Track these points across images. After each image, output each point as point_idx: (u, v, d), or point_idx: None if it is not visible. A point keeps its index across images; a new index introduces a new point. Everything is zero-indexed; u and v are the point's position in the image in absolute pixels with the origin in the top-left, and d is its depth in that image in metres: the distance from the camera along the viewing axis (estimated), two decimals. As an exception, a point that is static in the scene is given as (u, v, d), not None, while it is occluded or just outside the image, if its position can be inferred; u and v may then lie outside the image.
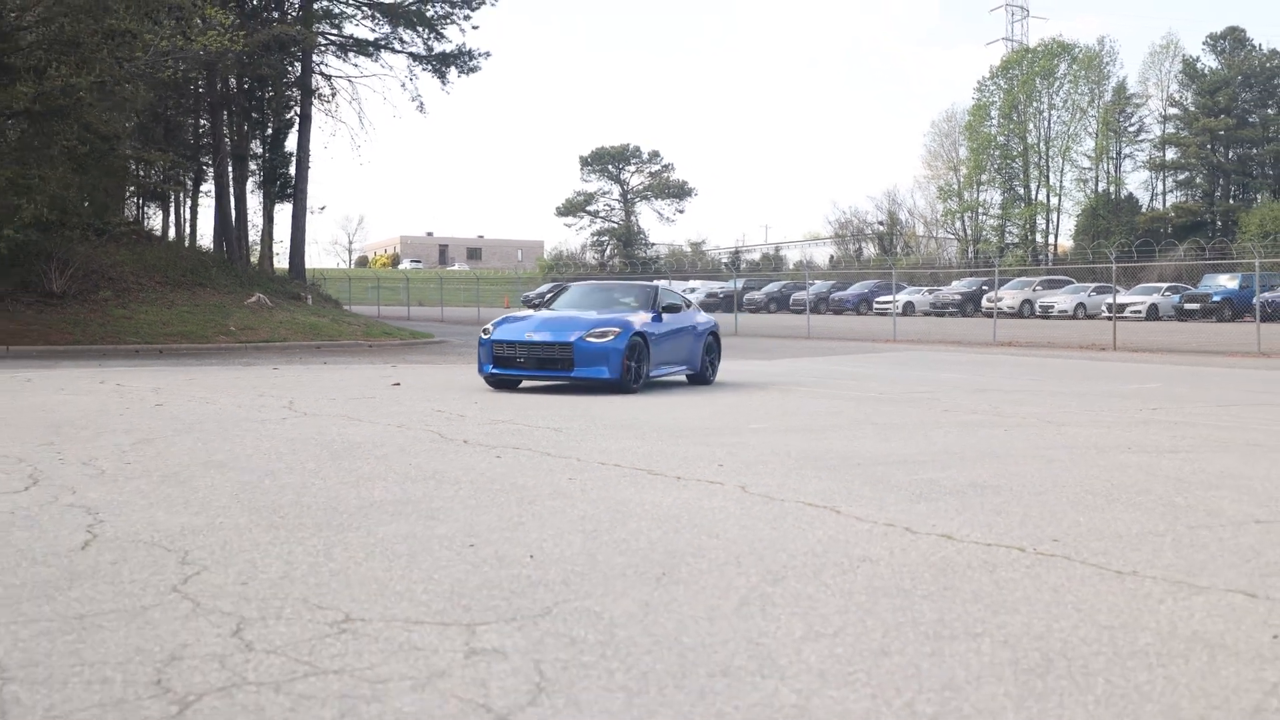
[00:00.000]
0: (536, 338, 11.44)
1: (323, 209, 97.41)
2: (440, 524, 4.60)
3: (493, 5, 31.32)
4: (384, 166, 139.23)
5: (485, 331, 11.96)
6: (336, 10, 30.37)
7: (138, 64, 18.53)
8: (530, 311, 13.36)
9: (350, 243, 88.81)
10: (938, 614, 3.35)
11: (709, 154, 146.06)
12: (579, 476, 5.87)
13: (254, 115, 31.34)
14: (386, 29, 30.36)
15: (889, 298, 42.40)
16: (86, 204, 22.40)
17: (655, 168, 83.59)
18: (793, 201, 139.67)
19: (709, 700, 2.62)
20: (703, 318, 13.68)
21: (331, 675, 2.76)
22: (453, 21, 29.97)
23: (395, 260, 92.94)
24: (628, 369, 11.28)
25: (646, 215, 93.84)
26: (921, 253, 71.94)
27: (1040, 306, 41.38)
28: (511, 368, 11.54)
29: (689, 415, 9.28)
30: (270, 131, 32.06)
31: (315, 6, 29.86)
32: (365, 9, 30.16)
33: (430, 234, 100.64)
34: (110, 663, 2.83)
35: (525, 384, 12.07)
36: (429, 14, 29.71)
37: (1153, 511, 5.02)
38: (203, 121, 31.14)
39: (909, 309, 44.56)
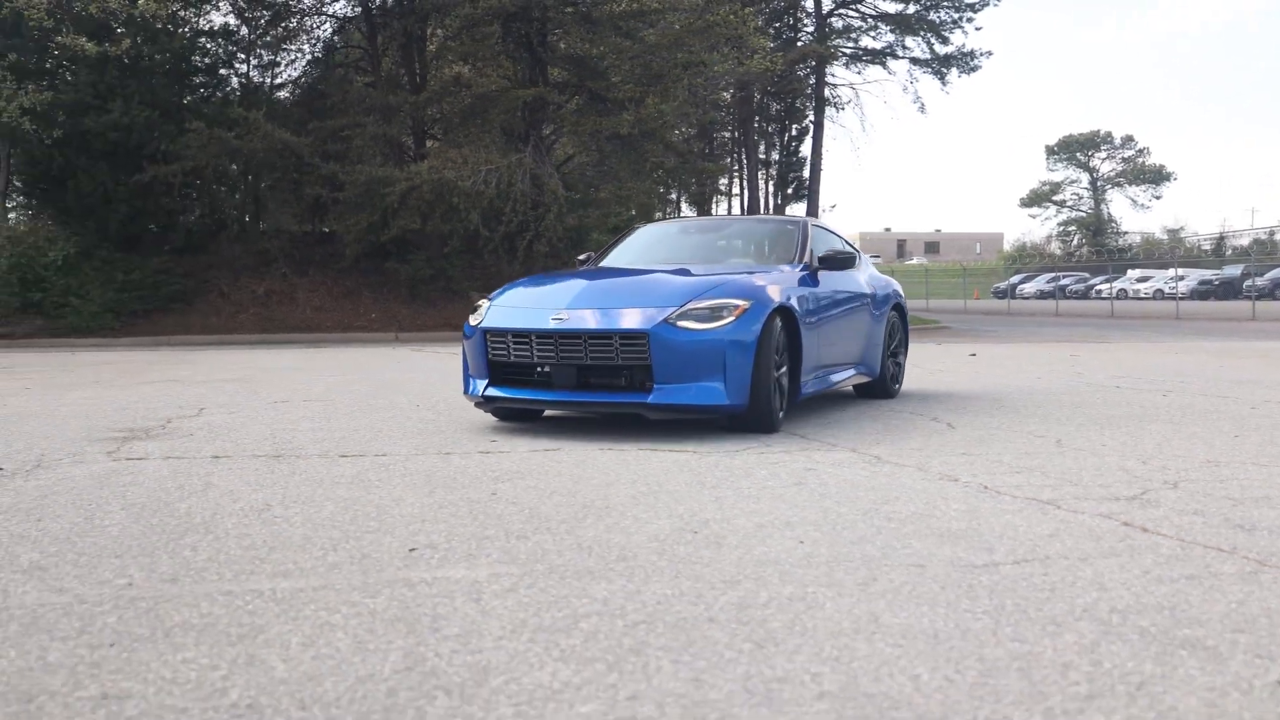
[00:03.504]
0: (572, 324, 5.73)
1: (833, 207, 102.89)
2: (1151, 427, 6.14)
3: (995, 5, 32.53)
4: (852, 165, 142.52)
5: (475, 313, 6.33)
6: (854, 26, 33.19)
7: (699, 88, 21.93)
8: (563, 274, 6.91)
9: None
10: None
11: (1189, 136, 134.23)
12: (1254, 412, 7.13)
13: (771, 125, 35.15)
14: (891, 38, 32.68)
15: None
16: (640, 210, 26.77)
17: (1128, 153, 79.02)
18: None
19: None
20: (873, 279, 8.04)
21: (1184, 485, 4.39)
22: (958, 25, 31.56)
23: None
24: (770, 384, 5.71)
25: (1118, 202, 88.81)
26: None
27: None
28: (525, 387, 5.93)
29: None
30: (786, 139, 35.75)
31: (832, 23, 32.86)
32: (873, 20, 32.64)
33: (888, 229, 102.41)
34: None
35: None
36: (935, 20, 31.46)
37: None
38: (723, 133, 35.46)
39: None
